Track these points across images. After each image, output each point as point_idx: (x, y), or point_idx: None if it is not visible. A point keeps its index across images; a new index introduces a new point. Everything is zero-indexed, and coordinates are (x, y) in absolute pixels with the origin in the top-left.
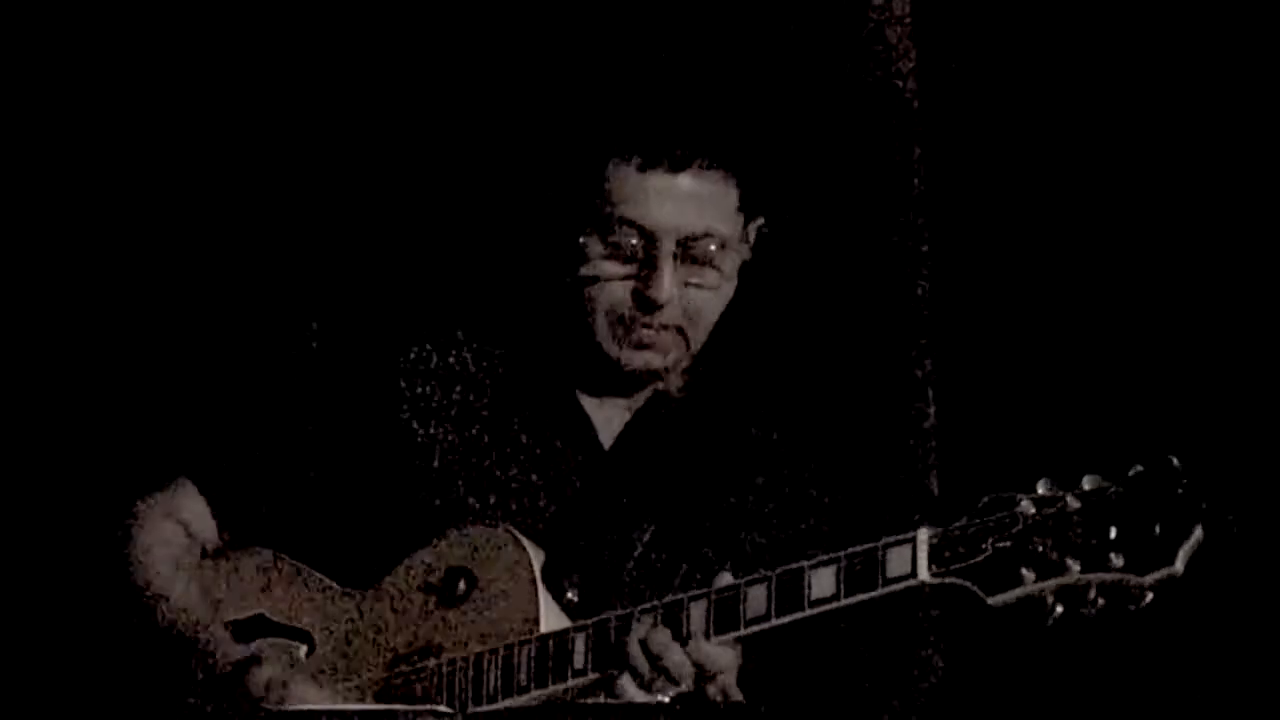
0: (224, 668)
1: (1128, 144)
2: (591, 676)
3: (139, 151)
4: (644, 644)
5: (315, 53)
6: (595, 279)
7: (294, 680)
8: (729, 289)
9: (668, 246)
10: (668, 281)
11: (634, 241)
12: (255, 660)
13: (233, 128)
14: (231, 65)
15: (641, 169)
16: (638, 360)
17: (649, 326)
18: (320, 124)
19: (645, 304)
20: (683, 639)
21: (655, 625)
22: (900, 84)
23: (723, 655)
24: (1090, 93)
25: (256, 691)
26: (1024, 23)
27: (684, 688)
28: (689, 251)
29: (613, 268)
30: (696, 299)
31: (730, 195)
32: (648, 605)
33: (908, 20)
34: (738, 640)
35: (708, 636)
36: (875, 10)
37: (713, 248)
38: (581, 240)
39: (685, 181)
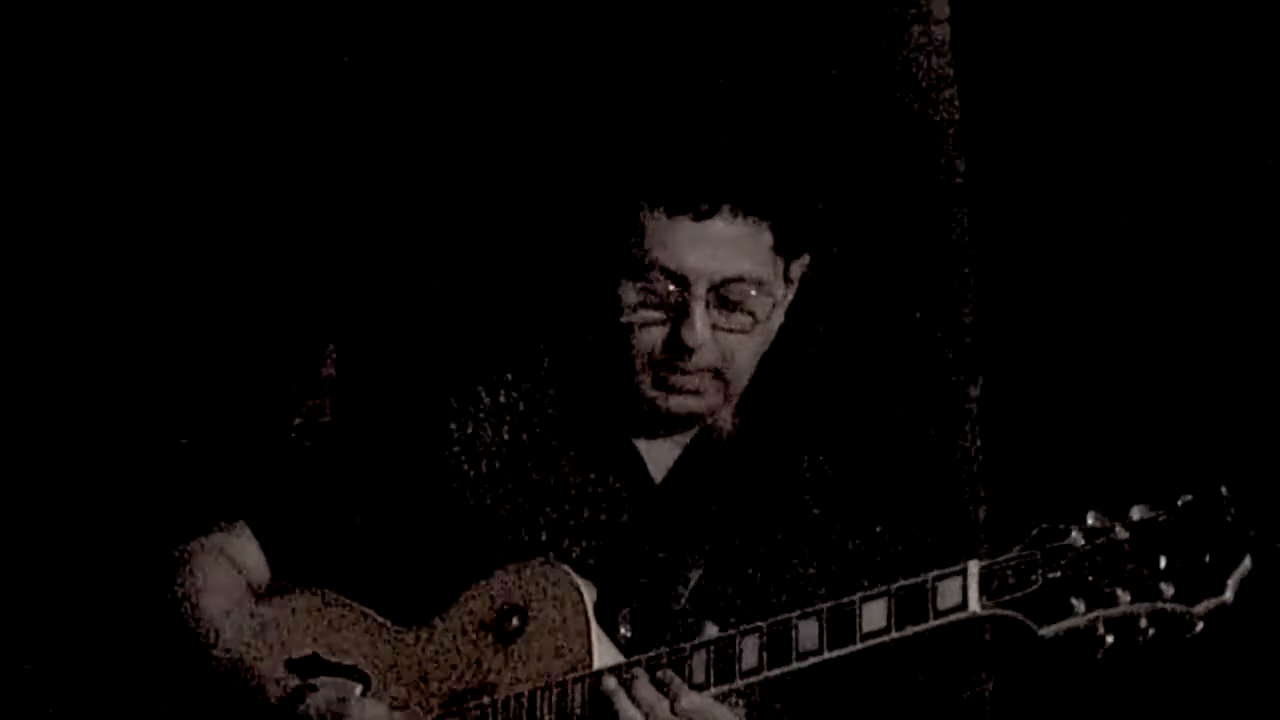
0: (278, 700)
1: (1177, 171)
2: None
3: (212, 200)
4: (634, 699)
5: (358, 120)
6: (631, 325)
7: (352, 704)
8: (766, 330)
9: (699, 291)
10: (699, 326)
11: (667, 287)
12: (309, 687)
13: (293, 200)
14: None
15: (671, 215)
16: (675, 404)
17: (684, 371)
18: (377, 184)
19: (678, 349)
20: (736, 675)
21: (648, 678)
22: (942, 112)
23: (716, 710)
24: (1135, 120)
25: (316, 717)
26: (1064, 48)
27: None
28: (722, 295)
29: (647, 313)
30: (731, 343)
31: (764, 238)
32: (698, 641)
33: (947, 48)
34: (786, 676)
35: (761, 671)
36: (915, 39)
37: (748, 292)
38: (617, 286)
39: (716, 227)
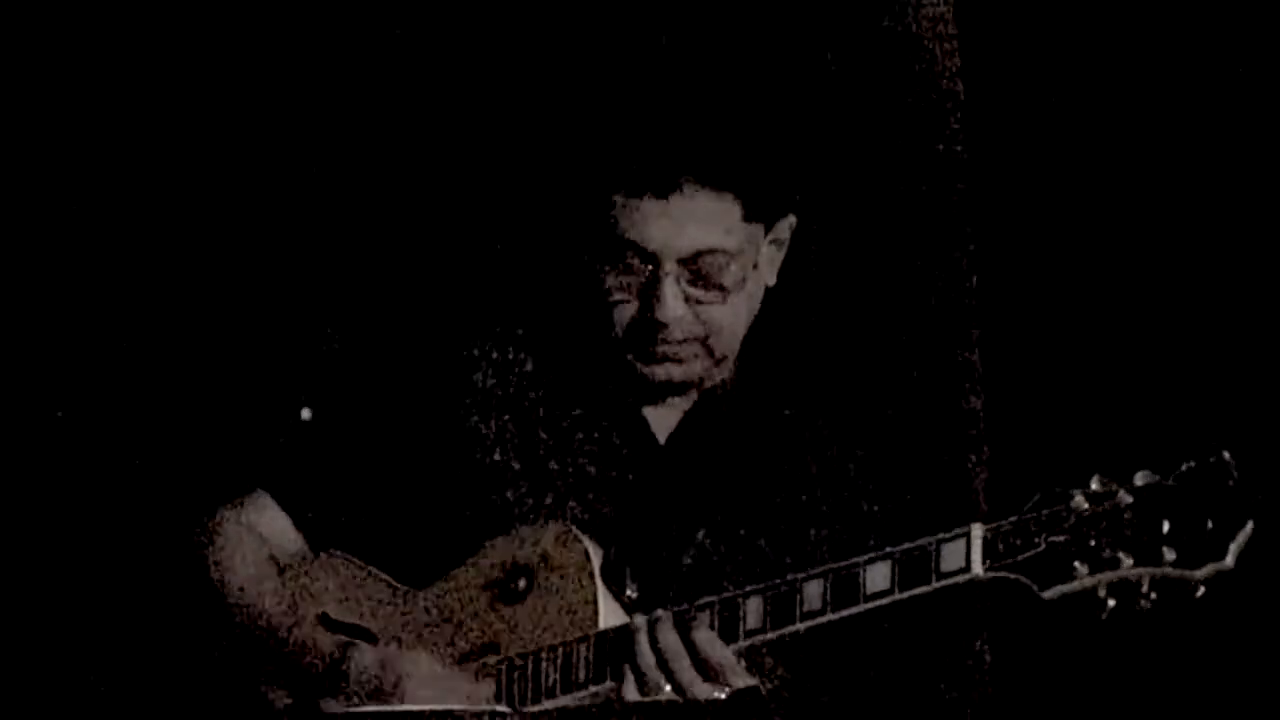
0: (322, 659)
1: (1173, 137)
2: None
3: (217, 173)
4: (656, 646)
5: (340, 114)
6: (608, 303)
7: (400, 660)
8: (748, 296)
9: (668, 267)
10: (670, 302)
11: (637, 264)
12: (354, 645)
13: (304, 175)
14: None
15: (635, 194)
16: (661, 373)
17: (665, 342)
18: (387, 164)
19: (651, 325)
20: (740, 635)
21: (668, 627)
22: (942, 71)
23: (738, 670)
24: (1132, 88)
25: (364, 675)
26: (1068, 13)
27: (688, 696)
28: (693, 269)
29: (622, 293)
30: (709, 314)
31: (730, 208)
32: (702, 602)
33: (949, 11)
34: (789, 637)
35: (764, 631)
36: (919, 4)
37: (719, 263)
38: (595, 268)
39: (679, 201)
